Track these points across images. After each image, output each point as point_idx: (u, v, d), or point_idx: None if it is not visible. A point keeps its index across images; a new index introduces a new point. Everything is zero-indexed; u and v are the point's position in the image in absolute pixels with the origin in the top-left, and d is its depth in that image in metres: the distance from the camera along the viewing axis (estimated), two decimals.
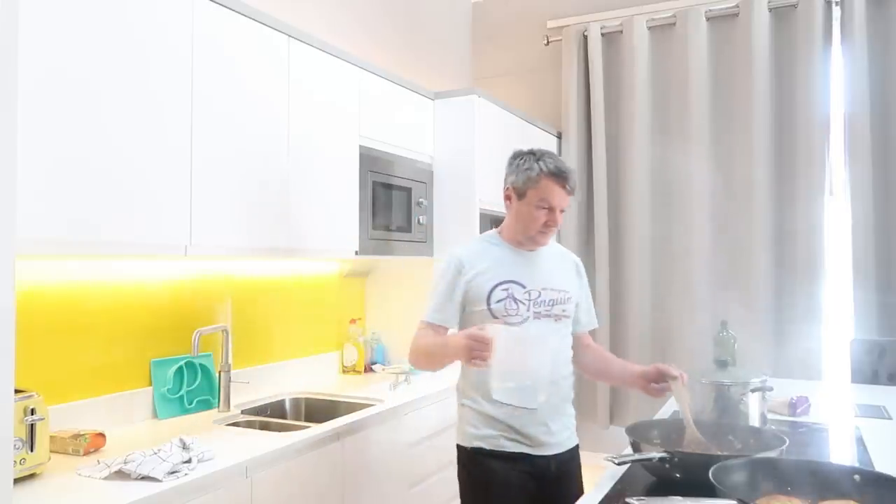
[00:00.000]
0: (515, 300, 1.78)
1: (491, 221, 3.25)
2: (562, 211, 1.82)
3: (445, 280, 1.81)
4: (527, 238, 1.83)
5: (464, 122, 3.13)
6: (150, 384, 2.19)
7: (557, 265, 1.92)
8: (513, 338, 1.71)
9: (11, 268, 1.14)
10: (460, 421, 1.86)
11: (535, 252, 1.88)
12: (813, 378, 3.23)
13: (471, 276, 1.79)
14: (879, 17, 3.42)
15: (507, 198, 1.86)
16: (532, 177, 1.78)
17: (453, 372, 1.89)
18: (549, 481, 1.79)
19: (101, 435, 1.81)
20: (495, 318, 1.76)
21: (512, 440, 1.77)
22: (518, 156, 1.85)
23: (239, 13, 2.12)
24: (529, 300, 1.79)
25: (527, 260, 1.86)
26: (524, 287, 1.79)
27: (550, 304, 1.82)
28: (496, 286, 1.78)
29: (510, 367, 1.72)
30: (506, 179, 1.86)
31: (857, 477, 1.24)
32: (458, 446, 1.85)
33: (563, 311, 1.85)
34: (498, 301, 1.77)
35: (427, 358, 1.80)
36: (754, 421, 1.81)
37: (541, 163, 1.78)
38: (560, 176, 1.78)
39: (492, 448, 1.77)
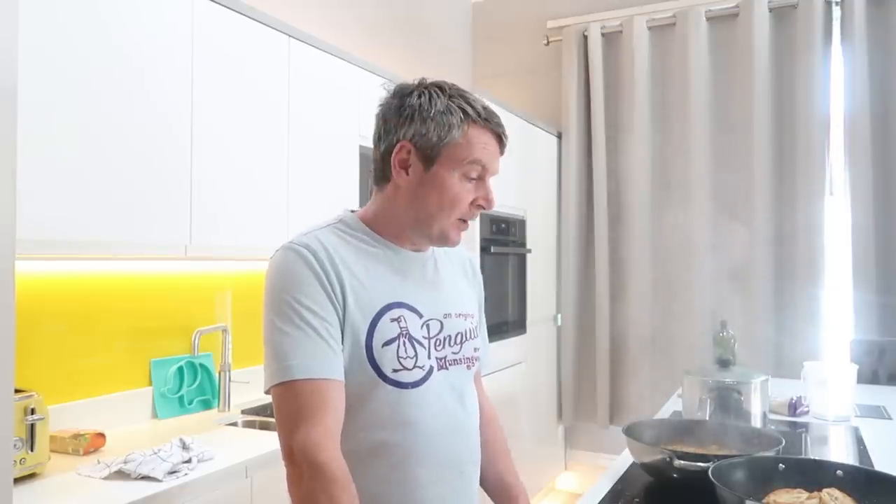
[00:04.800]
0: (412, 340, 1.09)
1: (491, 222, 3.25)
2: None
3: (304, 292, 1.02)
4: (435, 233, 1.12)
5: None
6: (150, 384, 2.19)
7: (453, 272, 1.24)
8: None
9: (11, 268, 1.15)
10: None
11: (425, 253, 1.19)
12: None
13: (343, 293, 1.05)
14: (879, 18, 3.42)
15: (402, 164, 1.09)
16: (454, 124, 1.07)
17: None
18: None
19: (101, 435, 1.81)
20: (382, 377, 1.06)
21: None
22: (408, 93, 1.11)
23: (239, 13, 2.12)
24: (429, 338, 1.12)
25: (414, 265, 1.16)
26: (420, 315, 1.12)
27: (459, 340, 1.17)
28: (381, 315, 1.07)
29: None
30: (392, 130, 1.10)
31: (843, 473, 1.24)
32: None
33: (475, 350, 1.21)
34: (386, 343, 1.06)
35: None
36: (754, 421, 1.81)
37: (459, 101, 1.09)
38: (496, 124, 1.11)
39: None
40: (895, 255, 3.38)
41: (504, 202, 3.40)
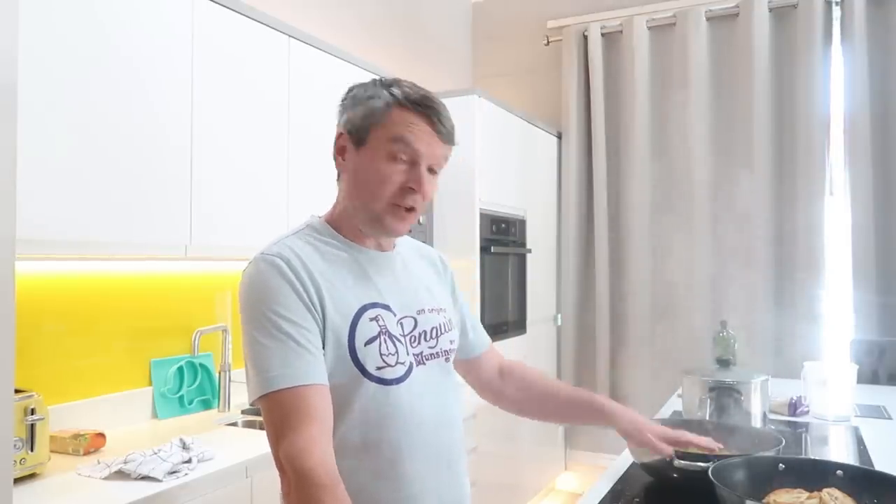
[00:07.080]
0: (392, 337, 1.10)
1: (491, 222, 3.25)
2: (433, 171, 1.11)
3: (280, 303, 1.02)
4: (371, 218, 1.11)
5: (464, 122, 3.12)
6: (150, 384, 2.19)
7: (421, 269, 1.26)
8: None
9: (11, 268, 1.15)
10: None
11: (392, 252, 1.20)
12: None
13: (320, 299, 1.05)
14: (879, 18, 3.42)
15: (340, 151, 1.14)
16: (378, 107, 1.09)
17: None
18: None
19: (101, 435, 1.81)
20: (366, 375, 1.06)
21: None
22: (352, 87, 1.16)
23: (239, 13, 2.12)
24: (404, 335, 1.13)
25: (383, 265, 1.17)
26: (394, 313, 1.13)
27: (434, 335, 1.17)
28: (360, 315, 1.08)
29: None
30: (338, 122, 1.16)
31: (843, 473, 1.24)
32: None
33: (451, 342, 1.22)
34: (368, 342, 1.07)
35: None
36: (755, 421, 1.81)
37: (393, 88, 1.09)
38: (426, 107, 1.08)
39: None
40: (895, 255, 3.38)
41: (504, 202, 3.40)
